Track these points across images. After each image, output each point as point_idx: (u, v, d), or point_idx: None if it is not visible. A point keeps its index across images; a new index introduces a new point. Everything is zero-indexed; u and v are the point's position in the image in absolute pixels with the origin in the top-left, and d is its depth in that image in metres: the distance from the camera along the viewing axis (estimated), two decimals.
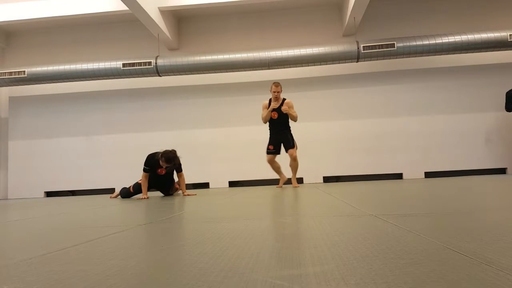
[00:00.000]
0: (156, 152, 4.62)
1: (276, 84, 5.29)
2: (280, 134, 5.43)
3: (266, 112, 5.33)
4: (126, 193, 4.88)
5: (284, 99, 5.37)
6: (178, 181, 4.87)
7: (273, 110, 5.30)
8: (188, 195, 4.65)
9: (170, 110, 7.71)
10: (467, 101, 7.25)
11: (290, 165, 5.42)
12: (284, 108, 5.19)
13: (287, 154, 5.40)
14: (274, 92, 5.27)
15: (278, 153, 5.46)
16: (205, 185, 7.55)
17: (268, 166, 5.53)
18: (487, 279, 0.66)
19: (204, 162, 7.48)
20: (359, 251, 0.94)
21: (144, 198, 4.35)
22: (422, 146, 7.23)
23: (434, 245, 0.96)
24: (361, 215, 1.67)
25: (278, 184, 5.66)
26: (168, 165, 4.47)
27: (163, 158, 4.42)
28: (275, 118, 5.38)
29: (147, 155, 4.66)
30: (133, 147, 7.55)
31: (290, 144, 5.37)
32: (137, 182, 4.79)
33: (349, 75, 7.46)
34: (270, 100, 5.40)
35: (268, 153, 5.45)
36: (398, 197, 2.63)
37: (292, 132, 5.50)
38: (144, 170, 4.61)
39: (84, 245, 1.25)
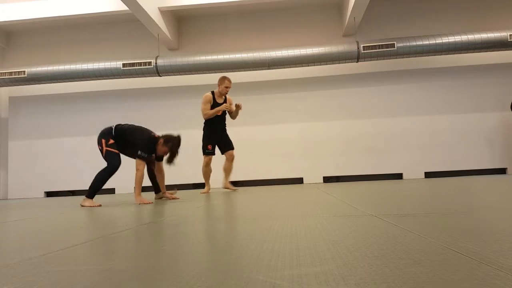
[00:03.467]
0: (149, 132, 3.75)
1: (230, 80, 4.83)
2: (220, 133, 4.96)
3: (213, 111, 4.77)
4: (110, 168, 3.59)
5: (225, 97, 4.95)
6: (156, 174, 3.94)
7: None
8: (171, 198, 3.88)
9: (170, 110, 7.71)
10: (467, 101, 7.25)
11: (226, 168, 4.98)
12: (234, 108, 4.77)
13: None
14: (227, 87, 4.79)
15: (214, 154, 5.00)
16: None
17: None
18: (487, 279, 0.66)
19: None
20: (359, 251, 0.94)
21: (146, 203, 3.39)
22: (422, 146, 7.23)
23: (434, 245, 0.96)
24: (361, 215, 1.67)
25: (204, 189, 5.18)
26: (173, 155, 3.59)
27: (168, 145, 3.57)
28: (219, 114, 4.87)
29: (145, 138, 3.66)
30: None
31: (231, 144, 4.97)
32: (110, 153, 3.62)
33: (349, 75, 7.46)
34: (212, 93, 4.89)
35: (207, 153, 4.92)
36: (398, 197, 2.63)
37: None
38: (143, 157, 3.55)
39: (84, 245, 1.25)
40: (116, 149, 3.66)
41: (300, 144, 7.42)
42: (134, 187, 3.57)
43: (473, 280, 0.66)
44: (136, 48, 7.78)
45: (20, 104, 8.04)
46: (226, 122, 5.05)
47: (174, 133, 3.72)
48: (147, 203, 3.37)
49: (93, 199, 3.55)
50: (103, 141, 3.67)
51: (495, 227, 1.22)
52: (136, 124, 3.89)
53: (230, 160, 4.96)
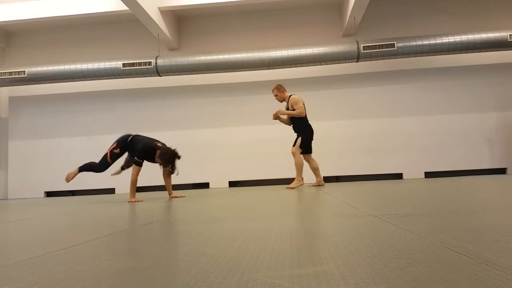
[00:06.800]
0: (153, 143, 4.11)
1: (274, 88, 5.27)
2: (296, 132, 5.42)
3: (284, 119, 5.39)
4: (101, 166, 4.27)
5: (290, 96, 5.28)
6: (164, 179, 4.30)
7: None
8: (175, 196, 4.19)
9: (170, 110, 7.71)
10: (467, 101, 7.25)
11: (313, 167, 5.56)
12: (276, 115, 5.15)
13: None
14: (275, 96, 5.27)
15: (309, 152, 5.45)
16: (205, 185, 7.55)
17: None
18: (487, 279, 0.66)
19: (204, 162, 7.48)
20: (359, 251, 0.94)
21: (136, 201, 3.87)
22: (422, 146, 7.23)
23: (434, 245, 0.96)
24: (361, 215, 1.67)
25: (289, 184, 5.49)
26: (165, 166, 4.06)
27: (162, 157, 3.94)
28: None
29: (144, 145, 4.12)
30: None
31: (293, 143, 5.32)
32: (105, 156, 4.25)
33: (349, 75, 7.46)
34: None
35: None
36: (398, 197, 2.63)
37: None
38: (137, 163, 4.02)
39: (84, 245, 1.25)
40: (113, 159, 4.27)
41: None
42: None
43: (473, 280, 0.66)
44: (136, 48, 7.78)
45: (20, 104, 8.04)
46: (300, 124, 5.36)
47: (172, 146, 4.12)
48: (138, 201, 3.85)
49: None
50: (113, 145, 4.26)
51: (495, 227, 1.22)
52: (145, 133, 4.46)
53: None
